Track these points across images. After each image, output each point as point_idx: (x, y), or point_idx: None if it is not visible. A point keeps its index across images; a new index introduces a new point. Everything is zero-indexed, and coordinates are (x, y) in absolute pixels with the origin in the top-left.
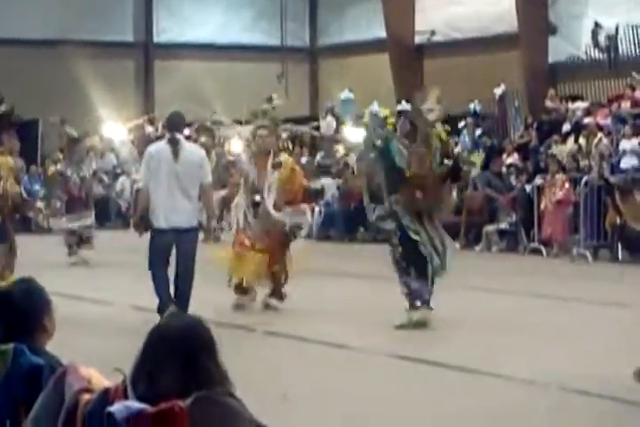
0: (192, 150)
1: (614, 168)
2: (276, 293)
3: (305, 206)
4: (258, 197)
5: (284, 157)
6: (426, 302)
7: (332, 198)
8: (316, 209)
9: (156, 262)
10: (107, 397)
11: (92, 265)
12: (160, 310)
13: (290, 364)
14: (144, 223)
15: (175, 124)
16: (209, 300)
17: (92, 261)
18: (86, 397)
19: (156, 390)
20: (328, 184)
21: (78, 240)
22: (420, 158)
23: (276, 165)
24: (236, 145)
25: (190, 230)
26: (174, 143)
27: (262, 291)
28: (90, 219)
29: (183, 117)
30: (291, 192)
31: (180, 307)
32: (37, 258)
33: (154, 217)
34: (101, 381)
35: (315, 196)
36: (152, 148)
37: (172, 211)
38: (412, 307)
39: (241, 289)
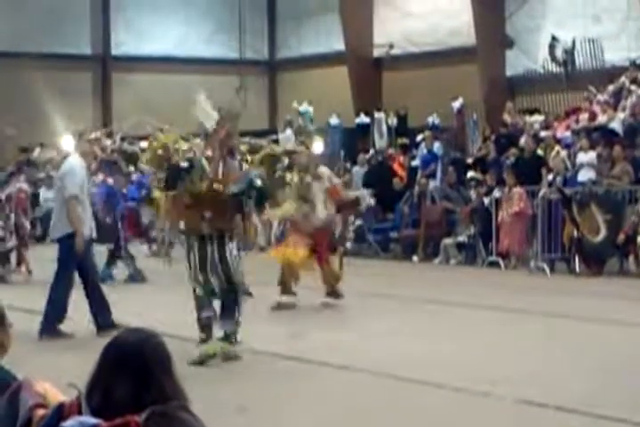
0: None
1: (572, 181)
2: (333, 292)
3: (340, 215)
4: (306, 206)
5: (322, 169)
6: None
7: None
8: (275, 223)
9: None
10: (61, 412)
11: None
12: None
13: (250, 376)
14: None
15: None
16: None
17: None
18: (41, 412)
19: (110, 405)
20: (363, 194)
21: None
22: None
23: (315, 177)
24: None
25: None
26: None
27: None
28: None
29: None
30: (331, 202)
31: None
32: None
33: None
34: (57, 396)
35: (352, 205)
36: (77, 161)
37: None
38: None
39: (287, 290)
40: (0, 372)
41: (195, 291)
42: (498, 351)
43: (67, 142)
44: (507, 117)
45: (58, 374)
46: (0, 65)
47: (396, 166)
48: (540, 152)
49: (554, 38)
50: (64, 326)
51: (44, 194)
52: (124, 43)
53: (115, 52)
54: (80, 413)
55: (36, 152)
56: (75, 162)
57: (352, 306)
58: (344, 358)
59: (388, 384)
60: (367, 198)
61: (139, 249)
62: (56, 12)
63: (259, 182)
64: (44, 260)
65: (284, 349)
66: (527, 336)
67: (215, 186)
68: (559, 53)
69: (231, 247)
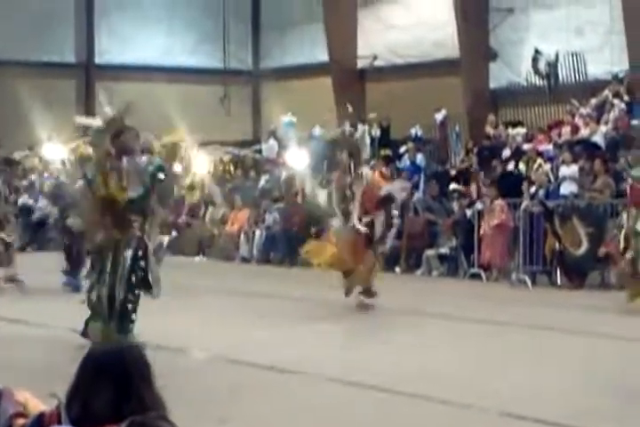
0: None
1: (554, 194)
2: (367, 291)
3: (378, 214)
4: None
5: (365, 170)
6: None
7: (272, 222)
8: (257, 233)
9: None
10: (41, 422)
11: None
12: None
13: (231, 389)
14: None
15: None
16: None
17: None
18: (20, 421)
19: (89, 415)
20: (395, 190)
21: None
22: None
23: (356, 177)
24: (177, 167)
25: None
26: None
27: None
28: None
29: None
30: (368, 201)
31: None
32: None
33: None
34: (37, 405)
35: (385, 202)
36: None
37: None
38: None
39: (365, 291)
40: None
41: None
42: (483, 364)
43: (49, 150)
44: (489, 130)
45: (39, 380)
46: None
47: (377, 178)
48: (521, 165)
49: (537, 51)
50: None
51: (27, 201)
52: (108, 51)
53: (99, 60)
54: (60, 422)
55: (22, 154)
56: None
57: (333, 318)
58: (329, 370)
59: (374, 396)
60: (401, 193)
61: None
62: (40, 19)
63: (161, 176)
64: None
65: (269, 359)
66: (512, 348)
67: (110, 194)
68: (542, 66)
69: (126, 255)
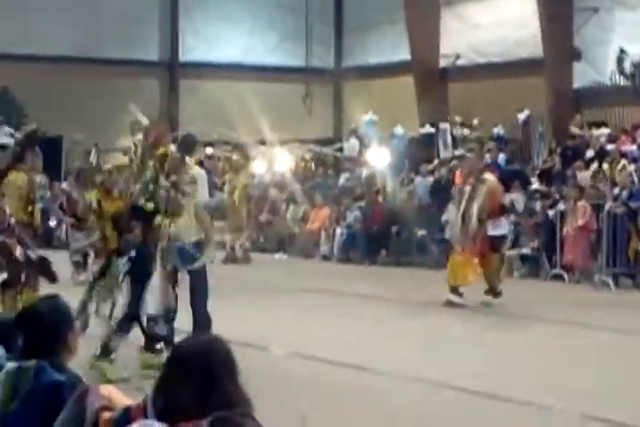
0: None
1: (638, 195)
2: (491, 291)
3: (504, 219)
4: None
5: (487, 175)
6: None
7: (353, 220)
8: (338, 231)
9: None
10: (127, 415)
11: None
12: None
13: (311, 385)
14: None
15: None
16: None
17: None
18: (107, 415)
19: (174, 409)
20: (515, 199)
21: (83, 259)
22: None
23: (479, 181)
24: (260, 165)
25: None
26: None
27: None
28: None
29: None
30: (492, 206)
31: None
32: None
33: None
34: (121, 399)
35: (508, 209)
36: None
37: None
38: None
39: (454, 290)
40: (67, 374)
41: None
42: (564, 365)
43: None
44: (575, 130)
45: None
46: (69, 71)
47: (457, 177)
48: (605, 166)
49: (622, 51)
50: None
51: None
52: (192, 50)
53: (182, 58)
54: (146, 416)
55: (92, 154)
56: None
57: (414, 317)
58: (407, 369)
59: (452, 396)
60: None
61: None
62: (125, 18)
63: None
64: None
65: (349, 357)
66: (594, 351)
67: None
68: (627, 66)
69: (119, 263)
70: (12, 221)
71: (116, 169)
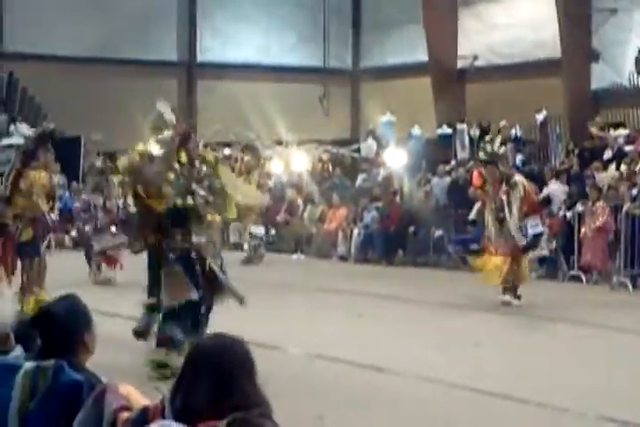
0: None
1: None
2: (513, 289)
3: (538, 217)
4: (501, 215)
5: (517, 177)
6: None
7: (371, 220)
8: (355, 231)
9: None
10: (146, 415)
11: (115, 284)
12: None
13: (328, 386)
14: None
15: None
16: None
17: (117, 281)
18: (125, 415)
19: (191, 410)
20: (553, 191)
21: (99, 261)
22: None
23: (512, 186)
24: (277, 166)
25: None
26: None
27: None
28: (117, 239)
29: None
30: (528, 205)
31: None
32: (73, 275)
33: None
34: (139, 399)
35: (544, 204)
36: None
37: None
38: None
39: (507, 289)
40: (85, 374)
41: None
42: (581, 367)
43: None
44: (595, 131)
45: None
46: (87, 71)
47: (475, 178)
48: (623, 167)
49: None
50: None
51: None
52: (210, 50)
53: (200, 58)
54: (164, 416)
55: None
56: None
57: (431, 318)
58: (422, 370)
59: (468, 397)
60: (561, 195)
61: None
62: (143, 18)
63: (178, 202)
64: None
65: (367, 358)
66: (611, 352)
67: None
68: None
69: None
70: (52, 217)
71: (139, 155)
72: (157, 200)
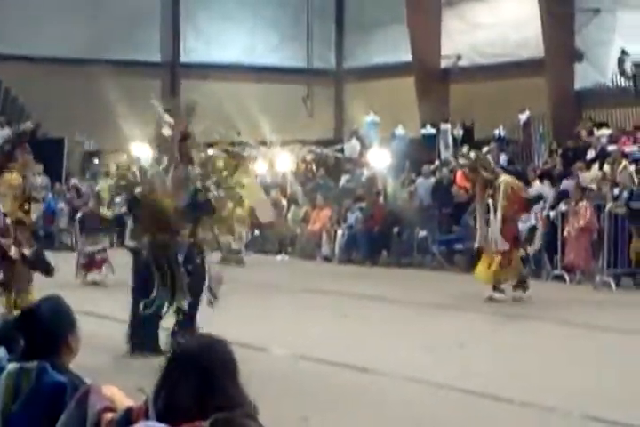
0: None
1: (639, 196)
2: (520, 285)
3: (528, 214)
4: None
5: (501, 178)
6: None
7: (355, 221)
8: (339, 232)
9: None
10: (129, 416)
11: (104, 285)
12: None
13: (313, 387)
14: None
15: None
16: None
17: (106, 282)
18: (109, 415)
19: (174, 410)
20: (544, 190)
21: (86, 263)
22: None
23: (496, 188)
24: (260, 166)
25: None
26: None
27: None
28: (103, 242)
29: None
30: (518, 204)
31: None
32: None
33: None
34: (123, 400)
35: (534, 202)
36: None
37: None
38: None
39: (496, 288)
40: (68, 375)
41: None
42: (566, 366)
43: (136, 149)
44: (582, 132)
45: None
46: (71, 71)
47: (459, 178)
48: (606, 167)
49: (623, 52)
50: None
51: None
52: (194, 50)
53: (183, 59)
54: (147, 417)
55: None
56: None
57: (416, 318)
58: (408, 370)
59: (454, 397)
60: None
61: None
62: (126, 19)
63: (199, 197)
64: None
65: (351, 358)
66: (596, 351)
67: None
68: (628, 67)
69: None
70: (8, 221)
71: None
72: (167, 196)
